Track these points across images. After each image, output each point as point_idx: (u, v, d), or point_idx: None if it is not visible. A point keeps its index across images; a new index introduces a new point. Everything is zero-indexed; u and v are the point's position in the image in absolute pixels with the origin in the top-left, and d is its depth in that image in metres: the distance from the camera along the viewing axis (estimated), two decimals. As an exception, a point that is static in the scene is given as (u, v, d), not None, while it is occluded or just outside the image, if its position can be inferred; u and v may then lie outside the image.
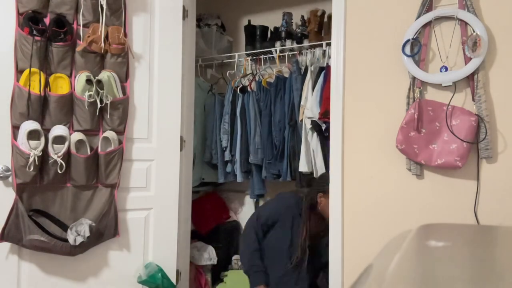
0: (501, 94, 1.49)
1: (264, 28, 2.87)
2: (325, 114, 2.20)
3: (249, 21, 2.90)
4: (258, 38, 2.85)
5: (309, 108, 2.31)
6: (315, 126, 2.29)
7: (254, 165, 2.64)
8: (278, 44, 2.74)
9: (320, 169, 2.32)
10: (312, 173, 2.38)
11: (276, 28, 2.82)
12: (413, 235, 0.87)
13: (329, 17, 2.51)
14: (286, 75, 2.62)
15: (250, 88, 2.68)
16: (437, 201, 1.58)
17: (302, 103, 2.39)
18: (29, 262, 1.76)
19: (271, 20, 2.94)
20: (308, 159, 2.37)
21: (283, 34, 2.73)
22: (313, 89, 2.35)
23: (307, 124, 2.34)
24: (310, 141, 2.36)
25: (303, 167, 2.36)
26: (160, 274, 1.94)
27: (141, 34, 2.00)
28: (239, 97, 2.69)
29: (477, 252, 0.76)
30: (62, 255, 1.76)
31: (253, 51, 2.82)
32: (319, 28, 2.60)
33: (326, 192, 1.92)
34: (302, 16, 2.74)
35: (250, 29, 2.88)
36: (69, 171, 1.79)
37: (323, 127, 2.26)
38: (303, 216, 2.06)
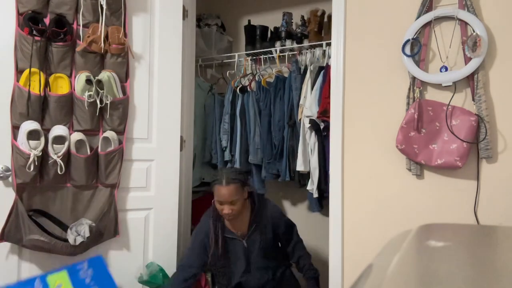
0: (501, 94, 1.49)
1: (264, 28, 2.87)
2: (323, 113, 2.20)
3: (249, 21, 2.90)
4: (258, 38, 2.84)
5: (308, 107, 2.31)
6: (314, 125, 2.29)
7: (254, 165, 2.64)
8: (278, 44, 2.74)
9: (314, 168, 2.32)
10: (309, 172, 2.38)
11: (276, 28, 2.82)
12: (413, 235, 0.87)
13: (329, 17, 2.51)
14: (286, 75, 2.62)
15: (250, 88, 2.68)
16: (437, 201, 1.58)
17: (301, 102, 2.39)
18: (29, 262, 1.76)
19: (271, 20, 2.94)
20: (306, 159, 2.36)
21: (283, 34, 2.73)
22: (312, 88, 2.35)
23: (306, 123, 2.34)
24: (308, 140, 2.36)
25: (300, 166, 2.36)
26: (161, 274, 1.94)
27: (141, 34, 2.00)
28: (239, 97, 2.69)
29: (477, 252, 0.76)
30: (62, 255, 1.76)
31: (253, 51, 2.82)
32: (319, 28, 2.60)
33: (211, 189, 1.88)
34: (302, 16, 2.74)
35: (250, 29, 2.88)
36: (69, 171, 1.79)
37: (322, 126, 2.26)
38: (215, 222, 1.95)
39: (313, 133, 2.33)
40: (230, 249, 1.98)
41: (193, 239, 2.00)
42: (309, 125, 2.31)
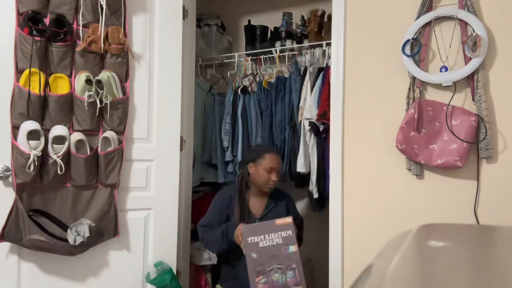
0: (501, 94, 1.49)
1: (264, 28, 2.87)
2: (322, 115, 2.20)
3: (249, 21, 2.90)
4: (258, 38, 2.85)
5: (307, 109, 2.31)
6: (313, 128, 2.29)
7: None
8: (278, 44, 2.74)
9: (314, 170, 2.33)
10: (309, 173, 2.38)
11: (276, 28, 2.82)
12: (413, 235, 0.87)
13: (329, 17, 2.51)
14: (287, 75, 2.62)
15: (251, 88, 2.68)
16: (437, 201, 1.58)
17: (301, 104, 2.39)
18: (29, 262, 1.76)
19: (271, 20, 2.94)
20: (307, 160, 2.37)
21: (283, 34, 2.73)
22: (311, 90, 2.35)
23: (306, 126, 2.34)
24: (308, 142, 2.36)
25: (300, 167, 2.36)
26: (168, 275, 1.93)
27: (141, 34, 2.00)
28: (240, 97, 2.69)
29: (477, 252, 0.76)
30: (62, 255, 1.76)
31: (253, 51, 2.82)
32: (319, 28, 2.60)
33: (255, 160, 2.02)
34: (302, 16, 2.74)
35: (250, 29, 2.88)
36: (69, 171, 1.79)
37: (321, 128, 2.26)
38: (238, 196, 2.04)
39: (313, 135, 2.34)
40: None
41: (214, 210, 2.06)
42: (309, 127, 2.31)
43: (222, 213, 2.04)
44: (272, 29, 2.85)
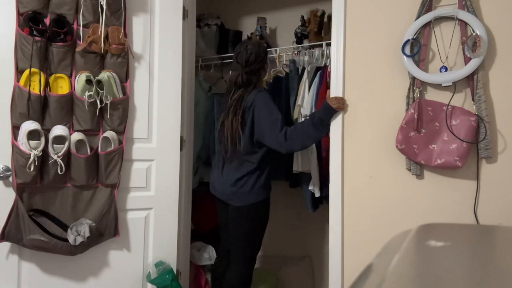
0: (501, 94, 1.49)
1: (237, 33, 2.92)
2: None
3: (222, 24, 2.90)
4: (230, 43, 2.91)
5: (305, 107, 2.31)
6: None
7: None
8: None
9: (314, 168, 2.31)
10: (303, 173, 2.37)
11: (252, 34, 2.86)
12: (413, 235, 0.87)
13: (329, 17, 2.51)
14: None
15: None
16: (437, 201, 1.58)
17: (298, 102, 2.39)
18: (29, 262, 1.76)
19: (271, 20, 2.94)
20: (303, 159, 2.36)
21: (258, 39, 2.78)
22: (309, 88, 2.35)
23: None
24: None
25: (296, 167, 2.36)
26: (169, 276, 1.93)
27: (141, 34, 2.00)
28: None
29: (477, 252, 0.76)
30: (62, 255, 1.76)
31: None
32: (319, 28, 2.60)
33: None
34: (302, 16, 2.75)
35: (223, 33, 2.93)
36: (69, 171, 1.79)
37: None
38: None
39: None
40: None
41: (275, 108, 2.00)
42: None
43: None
44: (249, 35, 2.87)
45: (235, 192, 2.01)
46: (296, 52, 2.62)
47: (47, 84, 1.75)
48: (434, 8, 1.60)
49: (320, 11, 2.60)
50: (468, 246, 0.83)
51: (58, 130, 1.74)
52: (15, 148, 1.67)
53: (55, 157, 1.71)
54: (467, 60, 1.51)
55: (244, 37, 2.99)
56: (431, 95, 1.60)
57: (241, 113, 1.98)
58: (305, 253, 2.82)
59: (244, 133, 1.99)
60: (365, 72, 1.73)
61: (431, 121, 1.56)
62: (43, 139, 1.69)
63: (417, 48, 1.60)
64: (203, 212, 2.88)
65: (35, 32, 1.69)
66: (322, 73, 2.31)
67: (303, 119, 2.30)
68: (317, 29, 2.59)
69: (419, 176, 1.62)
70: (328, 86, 2.12)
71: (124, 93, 1.91)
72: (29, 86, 1.68)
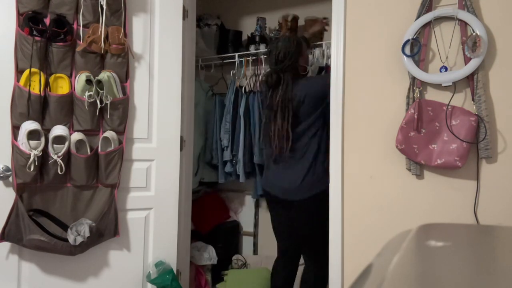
0: (501, 94, 1.49)
1: (237, 33, 2.93)
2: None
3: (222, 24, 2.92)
4: (230, 43, 2.92)
5: None
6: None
7: (258, 166, 2.64)
8: (255, 47, 2.78)
9: None
10: None
11: (252, 34, 2.87)
12: (413, 235, 0.87)
13: (307, 21, 2.57)
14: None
15: (255, 88, 2.68)
16: (437, 201, 1.58)
17: None
18: (29, 262, 1.76)
19: (271, 20, 2.94)
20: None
21: (257, 39, 2.81)
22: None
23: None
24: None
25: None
26: (169, 276, 1.93)
27: (141, 34, 2.00)
28: (242, 97, 2.69)
29: (477, 252, 0.76)
30: (62, 255, 1.76)
31: (253, 51, 2.82)
32: (291, 32, 2.67)
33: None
34: (278, 20, 2.79)
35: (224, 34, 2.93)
36: (69, 171, 1.79)
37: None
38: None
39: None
40: None
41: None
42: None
43: None
44: (249, 35, 2.89)
45: (303, 185, 1.99)
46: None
47: (47, 84, 1.75)
48: (434, 8, 1.60)
49: (291, 16, 2.64)
50: (468, 246, 0.83)
51: (58, 130, 1.74)
52: (15, 148, 1.67)
53: (55, 157, 1.71)
54: (467, 60, 1.51)
55: (244, 37, 2.99)
56: (431, 95, 1.60)
57: (292, 113, 2.00)
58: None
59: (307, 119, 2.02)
60: (365, 72, 1.73)
61: (431, 121, 1.56)
62: (43, 139, 1.69)
63: (417, 48, 1.60)
64: (203, 212, 2.89)
65: (35, 32, 1.69)
66: (325, 72, 2.32)
67: None
68: (288, 33, 2.63)
69: (419, 176, 1.61)
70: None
71: (124, 93, 1.91)
72: (29, 86, 1.68)
